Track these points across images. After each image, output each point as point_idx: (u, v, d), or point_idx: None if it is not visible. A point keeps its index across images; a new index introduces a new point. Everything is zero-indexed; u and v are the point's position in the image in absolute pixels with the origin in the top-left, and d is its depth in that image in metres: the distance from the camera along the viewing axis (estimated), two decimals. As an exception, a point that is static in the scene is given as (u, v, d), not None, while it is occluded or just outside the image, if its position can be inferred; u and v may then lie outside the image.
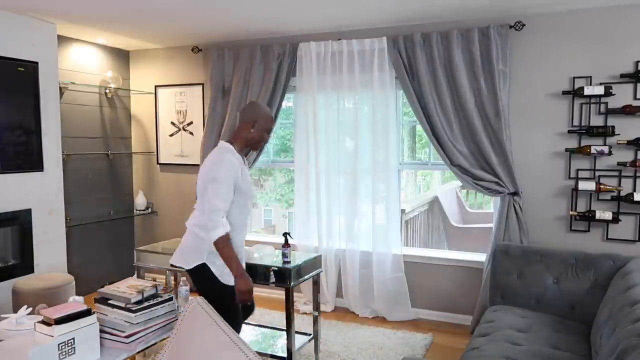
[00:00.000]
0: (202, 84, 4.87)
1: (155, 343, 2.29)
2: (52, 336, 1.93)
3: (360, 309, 4.26)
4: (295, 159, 4.53)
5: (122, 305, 2.18)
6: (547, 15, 3.64)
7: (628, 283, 2.49)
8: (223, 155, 2.48)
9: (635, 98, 3.47)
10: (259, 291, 4.77)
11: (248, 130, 2.56)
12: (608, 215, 3.52)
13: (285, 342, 3.08)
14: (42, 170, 3.91)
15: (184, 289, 3.17)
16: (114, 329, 2.17)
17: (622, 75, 3.48)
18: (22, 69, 3.74)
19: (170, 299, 2.35)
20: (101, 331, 2.14)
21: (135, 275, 3.58)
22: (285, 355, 3.07)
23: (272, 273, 2.93)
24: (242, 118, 2.59)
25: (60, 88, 4.17)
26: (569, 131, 3.62)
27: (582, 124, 3.61)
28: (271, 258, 3.19)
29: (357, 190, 4.23)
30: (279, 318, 4.03)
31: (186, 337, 1.70)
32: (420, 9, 3.61)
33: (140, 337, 2.19)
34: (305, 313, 4.24)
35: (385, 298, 4.16)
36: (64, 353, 1.94)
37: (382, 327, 3.95)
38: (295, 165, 4.56)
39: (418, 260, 4.18)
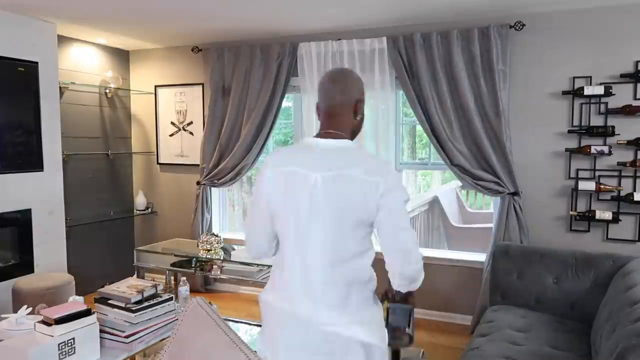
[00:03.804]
0: (202, 84, 4.86)
1: (155, 343, 2.28)
2: (52, 336, 1.93)
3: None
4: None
5: (122, 305, 2.18)
6: (547, 15, 3.64)
7: (628, 283, 2.49)
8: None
9: (635, 98, 3.47)
10: (258, 291, 4.77)
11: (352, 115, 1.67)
12: (608, 215, 3.52)
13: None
14: (42, 170, 3.91)
15: (184, 289, 3.17)
16: (114, 329, 2.17)
17: (622, 75, 3.48)
18: (22, 69, 3.74)
19: (170, 299, 2.35)
20: (101, 331, 2.14)
21: (135, 275, 3.58)
22: (285, 355, 3.06)
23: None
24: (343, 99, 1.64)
25: (60, 88, 4.17)
26: (569, 131, 3.62)
27: (582, 124, 3.61)
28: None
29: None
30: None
31: (186, 337, 1.70)
32: (420, 9, 3.61)
33: (140, 337, 2.19)
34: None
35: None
36: (64, 353, 1.94)
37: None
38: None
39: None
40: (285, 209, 1.60)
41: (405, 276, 1.55)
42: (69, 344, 1.96)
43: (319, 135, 1.64)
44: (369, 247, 1.60)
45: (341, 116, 1.63)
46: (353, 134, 1.68)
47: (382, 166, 1.57)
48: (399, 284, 1.58)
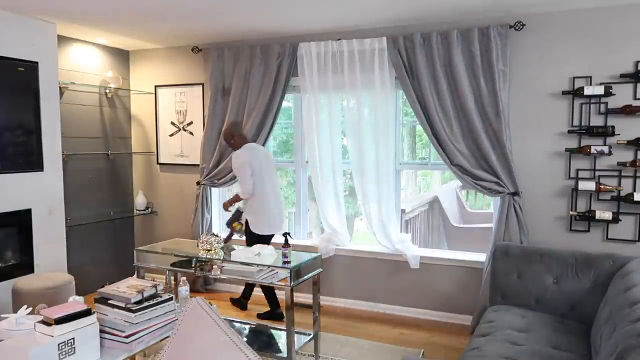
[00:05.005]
0: (202, 84, 4.87)
1: (155, 343, 2.28)
2: (52, 336, 1.93)
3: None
4: (295, 159, 4.53)
5: (122, 305, 2.18)
6: (547, 15, 3.64)
7: (628, 283, 2.49)
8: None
9: (635, 98, 3.47)
10: (258, 291, 4.77)
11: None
12: (608, 215, 3.52)
13: (285, 342, 3.08)
14: (42, 170, 3.91)
15: (184, 289, 3.17)
16: (114, 329, 2.17)
17: (622, 75, 3.48)
18: (22, 69, 3.74)
19: (170, 299, 2.35)
20: (101, 331, 2.14)
21: (135, 275, 3.57)
22: (285, 355, 3.07)
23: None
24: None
25: (60, 88, 4.17)
26: (569, 131, 3.62)
27: (582, 124, 3.61)
28: (271, 258, 3.19)
29: (357, 189, 4.23)
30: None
31: (186, 337, 1.70)
32: (420, 9, 3.61)
33: (140, 337, 2.19)
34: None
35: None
36: (64, 353, 1.94)
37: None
38: (295, 165, 4.56)
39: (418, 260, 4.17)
40: (260, 171, 3.88)
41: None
42: (69, 344, 1.96)
43: (252, 142, 4.16)
44: None
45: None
46: None
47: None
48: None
